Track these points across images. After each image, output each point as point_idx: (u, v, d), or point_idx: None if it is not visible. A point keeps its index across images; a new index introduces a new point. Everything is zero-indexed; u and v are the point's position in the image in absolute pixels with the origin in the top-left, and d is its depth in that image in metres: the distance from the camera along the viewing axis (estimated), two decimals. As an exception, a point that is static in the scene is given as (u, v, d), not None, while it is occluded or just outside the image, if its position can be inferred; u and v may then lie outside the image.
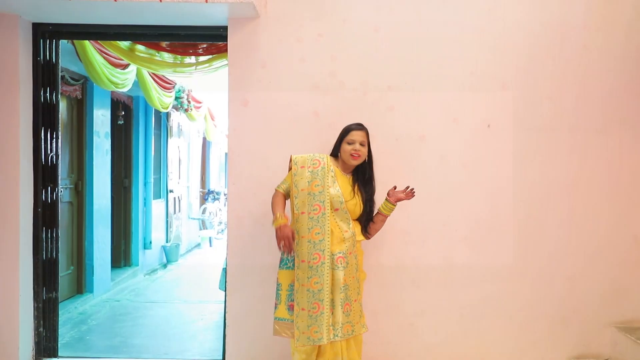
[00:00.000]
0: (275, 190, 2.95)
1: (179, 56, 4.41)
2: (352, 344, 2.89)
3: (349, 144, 2.87)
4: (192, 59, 4.47)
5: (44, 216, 3.59)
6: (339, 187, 2.86)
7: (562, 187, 3.42)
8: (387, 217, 2.97)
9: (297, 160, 2.91)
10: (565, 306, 3.46)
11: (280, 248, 2.80)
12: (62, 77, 4.61)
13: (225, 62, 4.00)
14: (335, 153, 2.99)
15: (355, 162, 2.87)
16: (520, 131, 3.40)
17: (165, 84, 5.75)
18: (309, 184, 2.84)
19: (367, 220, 2.96)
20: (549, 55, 3.39)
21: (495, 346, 3.44)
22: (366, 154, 2.91)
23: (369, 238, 3.01)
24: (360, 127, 2.92)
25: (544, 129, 3.40)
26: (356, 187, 2.92)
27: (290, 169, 2.94)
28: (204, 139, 10.10)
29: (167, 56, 4.42)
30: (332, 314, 2.78)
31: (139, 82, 5.14)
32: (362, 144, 2.86)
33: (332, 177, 2.87)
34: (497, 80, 3.39)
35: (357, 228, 2.95)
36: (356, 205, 2.89)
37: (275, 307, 2.94)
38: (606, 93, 3.41)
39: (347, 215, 2.86)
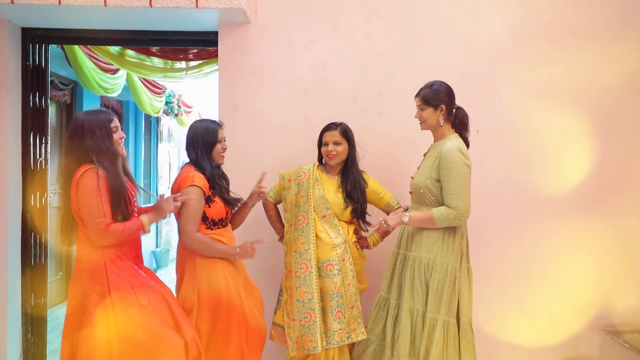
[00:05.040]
0: (266, 199, 2.99)
1: (170, 61, 4.42)
2: (345, 350, 2.87)
3: (324, 145, 2.89)
4: (183, 64, 4.47)
5: (33, 221, 3.57)
6: (325, 192, 2.86)
7: (550, 192, 3.44)
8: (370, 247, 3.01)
9: (284, 175, 2.96)
10: (554, 310, 3.48)
11: None
12: (52, 81, 4.58)
13: (216, 67, 4.01)
14: (320, 158, 3.01)
15: (333, 162, 2.88)
16: (509, 136, 3.43)
17: (155, 88, 5.74)
18: (296, 196, 2.87)
19: (362, 215, 2.92)
20: (537, 61, 3.42)
21: (484, 348, 3.45)
22: (343, 152, 2.87)
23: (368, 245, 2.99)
24: (332, 126, 2.90)
25: (532, 134, 3.43)
26: (341, 189, 2.89)
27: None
28: (195, 143, 10.06)
29: (157, 61, 4.42)
30: (324, 321, 2.76)
31: (129, 87, 5.13)
32: (336, 144, 2.85)
33: (318, 184, 2.87)
34: (486, 86, 3.42)
35: (352, 232, 2.92)
36: (340, 206, 2.86)
37: (275, 312, 2.98)
38: (594, 97, 3.44)
39: (336, 221, 2.84)
